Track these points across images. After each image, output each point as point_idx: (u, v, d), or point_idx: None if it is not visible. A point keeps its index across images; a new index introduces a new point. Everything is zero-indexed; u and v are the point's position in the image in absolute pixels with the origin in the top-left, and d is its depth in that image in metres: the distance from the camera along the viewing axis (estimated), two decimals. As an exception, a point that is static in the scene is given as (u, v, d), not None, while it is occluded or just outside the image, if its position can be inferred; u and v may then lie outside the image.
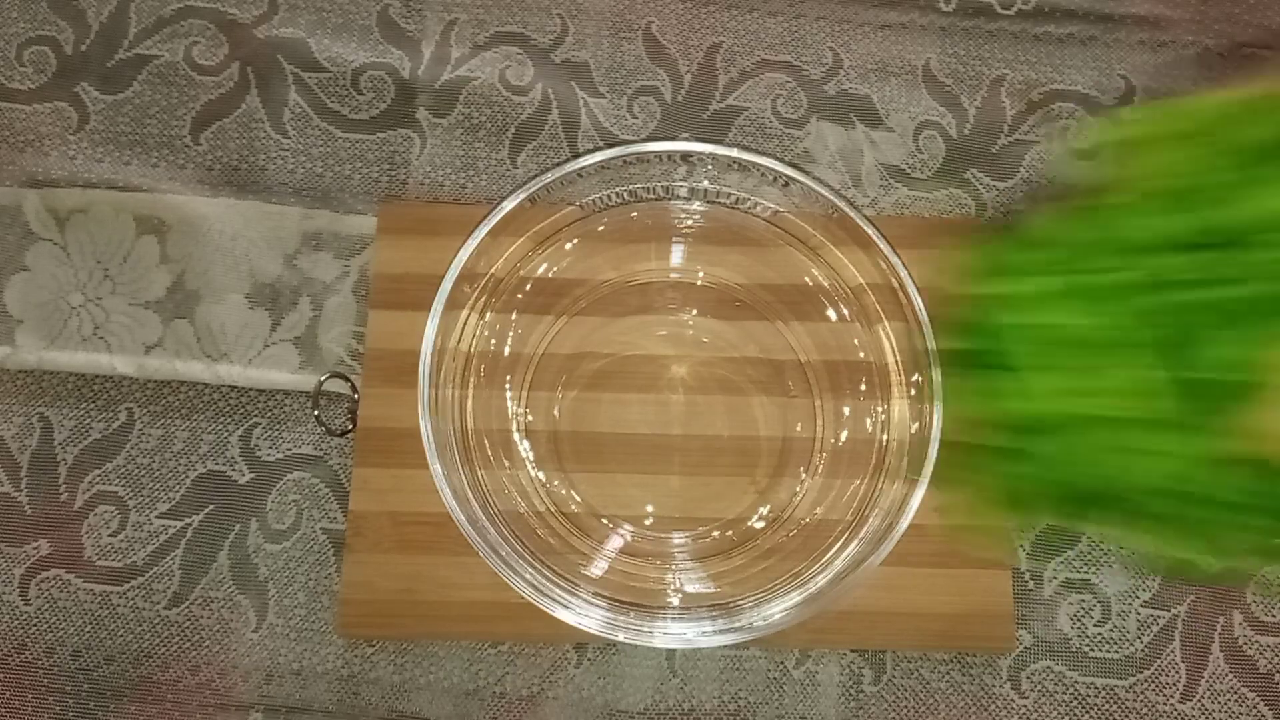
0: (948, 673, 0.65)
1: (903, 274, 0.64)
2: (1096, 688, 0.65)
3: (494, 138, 0.73)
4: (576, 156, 0.68)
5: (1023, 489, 0.48)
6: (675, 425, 0.68)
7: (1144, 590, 0.67)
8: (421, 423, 0.62)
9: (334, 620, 0.64)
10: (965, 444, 0.45)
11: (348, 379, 0.68)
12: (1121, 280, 0.38)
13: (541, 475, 0.67)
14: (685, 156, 0.67)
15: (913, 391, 0.65)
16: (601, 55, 0.76)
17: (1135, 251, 0.39)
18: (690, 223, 0.69)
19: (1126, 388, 0.38)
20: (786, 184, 0.67)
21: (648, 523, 0.67)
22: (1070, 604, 0.66)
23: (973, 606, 0.64)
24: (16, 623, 0.64)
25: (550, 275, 0.68)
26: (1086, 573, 0.67)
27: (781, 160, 0.67)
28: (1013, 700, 0.65)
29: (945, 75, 0.76)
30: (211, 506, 0.66)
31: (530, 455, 0.68)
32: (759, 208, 0.69)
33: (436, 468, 0.61)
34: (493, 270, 0.68)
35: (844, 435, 0.68)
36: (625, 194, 0.69)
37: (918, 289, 0.64)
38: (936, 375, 0.63)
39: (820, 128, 0.74)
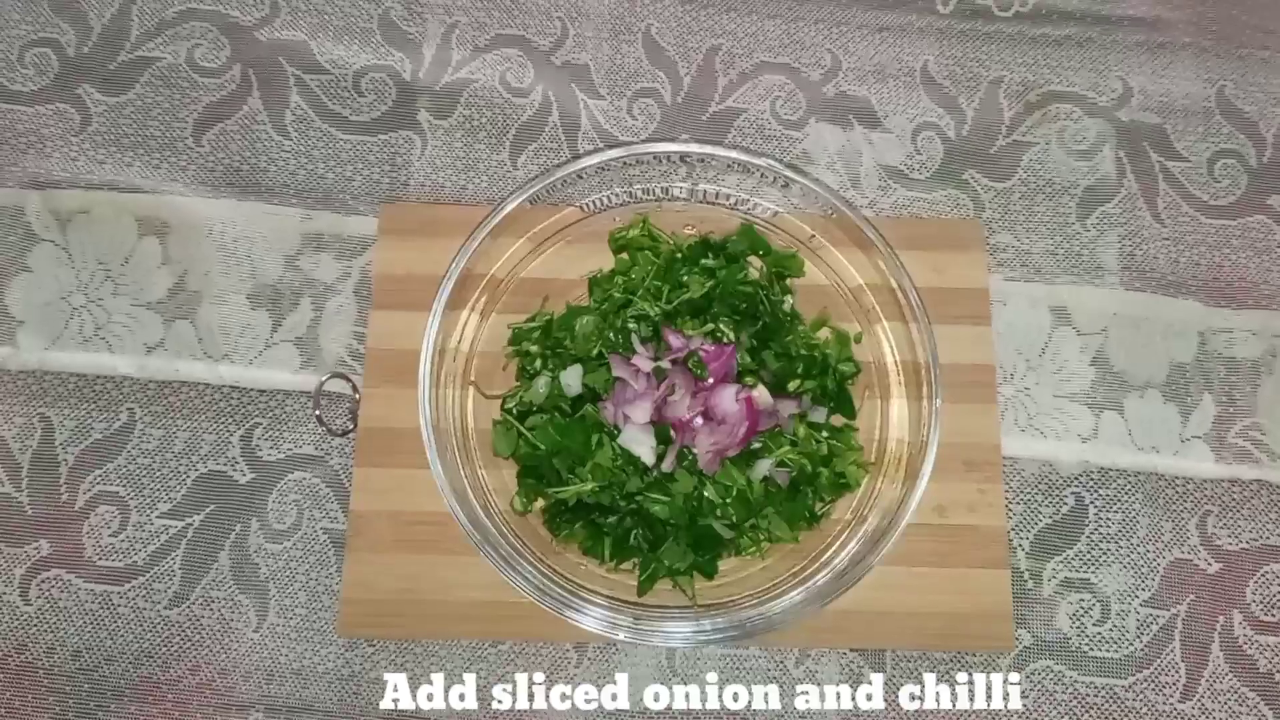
0: (947, 672, 0.65)
1: (902, 274, 0.65)
2: (1096, 687, 0.65)
3: (494, 139, 0.73)
4: (576, 158, 0.68)
5: None
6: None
7: (1144, 589, 0.67)
8: (422, 423, 0.62)
9: (334, 620, 0.64)
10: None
11: (349, 379, 0.68)
12: None
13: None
14: (684, 158, 0.68)
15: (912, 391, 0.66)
16: (601, 57, 0.76)
17: None
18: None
19: None
20: (786, 185, 0.68)
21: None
22: (1070, 603, 0.67)
23: (972, 606, 0.64)
24: (17, 623, 0.64)
25: (550, 276, 0.69)
26: (1086, 572, 0.67)
27: (780, 162, 0.67)
28: (1012, 699, 0.65)
29: (943, 77, 0.76)
30: (212, 506, 0.66)
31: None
32: (758, 209, 0.70)
33: (437, 467, 0.61)
34: (493, 271, 0.68)
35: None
36: (625, 195, 0.69)
37: (916, 289, 0.64)
38: (936, 376, 0.63)
39: (819, 129, 0.75)
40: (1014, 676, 0.65)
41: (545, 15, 0.76)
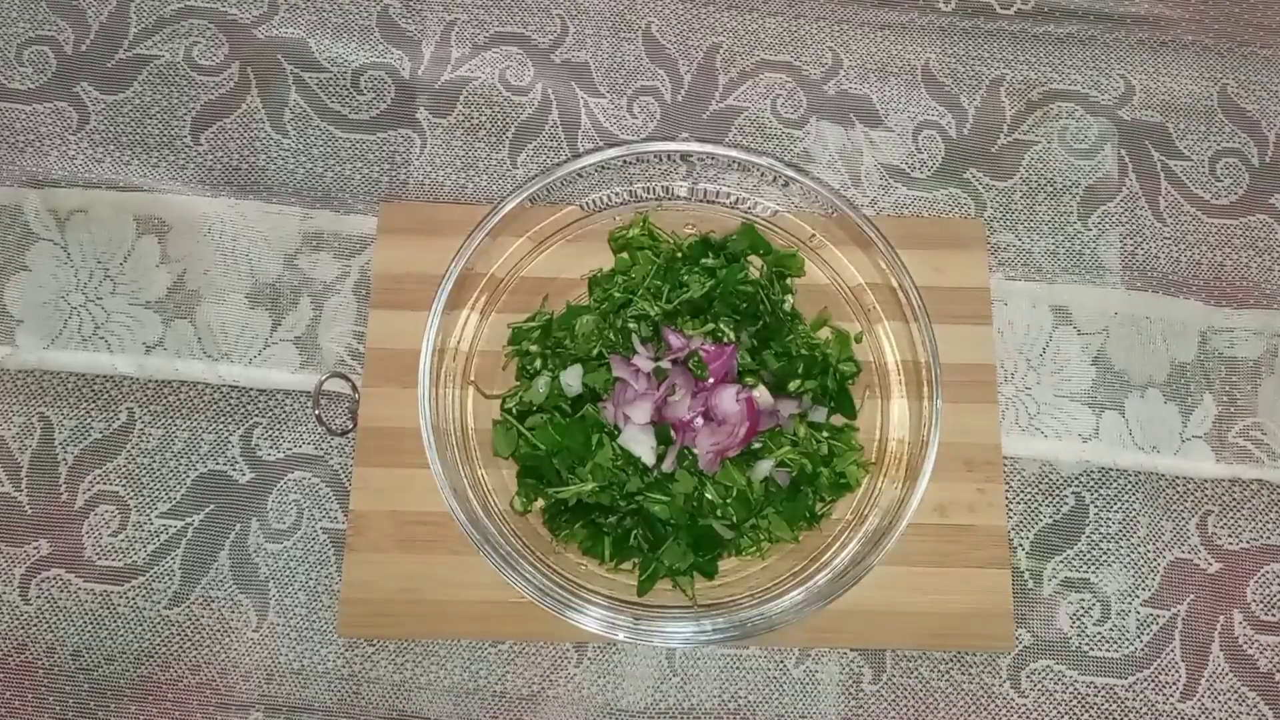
0: (947, 672, 0.65)
1: (903, 274, 0.64)
2: (1096, 687, 0.65)
3: (494, 138, 0.73)
4: (576, 156, 0.68)
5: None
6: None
7: (1144, 589, 0.67)
8: (422, 422, 0.62)
9: (335, 620, 0.64)
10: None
11: (348, 379, 0.68)
12: None
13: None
14: (685, 156, 0.68)
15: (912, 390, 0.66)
16: (601, 55, 0.76)
17: None
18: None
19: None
20: (786, 184, 0.68)
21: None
22: (1070, 603, 0.67)
23: (972, 606, 0.64)
24: (16, 623, 0.64)
25: (550, 275, 0.69)
26: (1086, 572, 0.67)
27: (781, 160, 0.67)
28: (1012, 699, 0.65)
29: (944, 75, 0.76)
30: (212, 506, 0.66)
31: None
32: (759, 208, 0.69)
33: (437, 467, 0.61)
34: (493, 270, 0.68)
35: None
36: (625, 194, 0.69)
37: (917, 289, 0.64)
38: (937, 375, 0.63)
39: (820, 128, 0.74)
40: (1014, 676, 0.65)
41: (545, 13, 0.76)
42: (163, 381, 0.68)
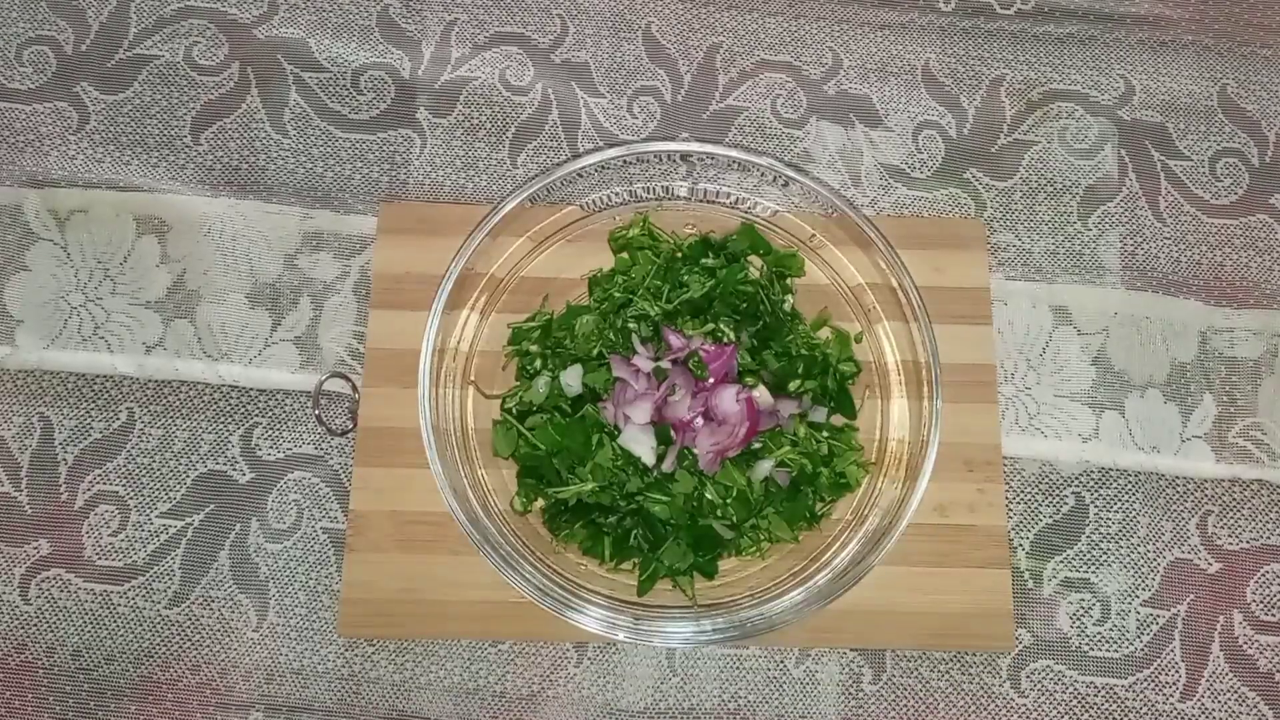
0: (947, 671, 0.65)
1: (903, 274, 0.64)
2: (1096, 687, 0.65)
3: (494, 138, 0.73)
4: (576, 156, 0.68)
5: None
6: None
7: (1144, 589, 0.67)
8: (422, 422, 0.62)
9: (335, 620, 0.64)
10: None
11: (348, 379, 0.68)
12: None
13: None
14: (685, 156, 0.68)
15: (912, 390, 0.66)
16: (601, 55, 0.76)
17: None
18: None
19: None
20: (786, 184, 0.68)
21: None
22: (1070, 603, 0.67)
23: (972, 606, 0.64)
24: (16, 623, 0.64)
25: (550, 275, 0.69)
26: (1086, 572, 0.67)
27: (781, 160, 0.67)
28: (1012, 699, 0.65)
29: (944, 75, 0.76)
30: (212, 506, 0.66)
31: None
32: (759, 208, 0.69)
33: (437, 467, 0.61)
34: (493, 270, 0.68)
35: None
36: (625, 194, 0.69)
37: (917, 289, 0.64)
38: (937, 375, 0.63)
39: (820, 128, 0.74)
40: (1014, 676, 0.65)
41: (545, 12, 0.76)
42: (163, 381, 0.68)
